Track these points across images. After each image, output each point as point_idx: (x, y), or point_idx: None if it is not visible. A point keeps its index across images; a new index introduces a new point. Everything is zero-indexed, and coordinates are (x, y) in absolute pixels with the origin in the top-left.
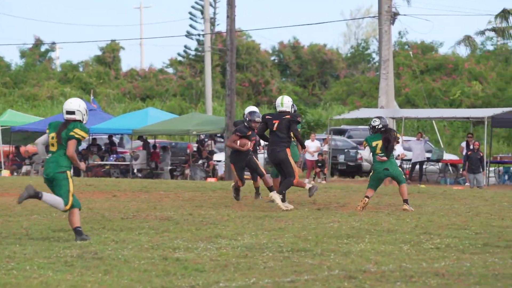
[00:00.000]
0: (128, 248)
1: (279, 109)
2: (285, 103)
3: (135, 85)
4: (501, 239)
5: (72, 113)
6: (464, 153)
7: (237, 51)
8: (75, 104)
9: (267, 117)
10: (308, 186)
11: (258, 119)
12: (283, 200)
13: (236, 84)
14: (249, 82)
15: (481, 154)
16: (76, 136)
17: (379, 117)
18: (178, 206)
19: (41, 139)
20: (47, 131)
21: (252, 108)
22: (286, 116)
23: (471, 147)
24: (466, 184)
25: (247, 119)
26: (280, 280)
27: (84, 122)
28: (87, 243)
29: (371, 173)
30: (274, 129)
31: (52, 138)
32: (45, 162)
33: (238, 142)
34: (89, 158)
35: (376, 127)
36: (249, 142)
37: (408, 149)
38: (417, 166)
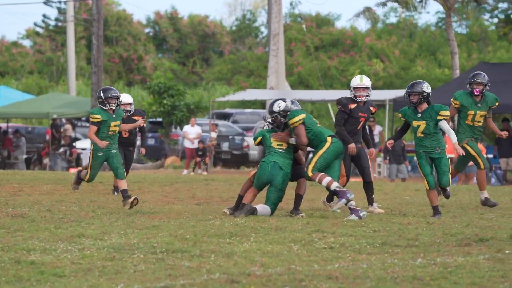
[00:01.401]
0: None
1: None
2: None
3: None
4: (402, 237)
5: None
6: None
7: (105, 21)
8: None
9: None
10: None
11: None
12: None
13: (104, 60)
14: (119, 58)
15: (404, 143)
16: None
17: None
18: (35, 201)
19: None
20: None
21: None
22: None
23: (374, 131)
24: (374, 175)
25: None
26: (152, 286)
27: None
28: None
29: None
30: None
31: None
32: None
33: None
34: None
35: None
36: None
37: None
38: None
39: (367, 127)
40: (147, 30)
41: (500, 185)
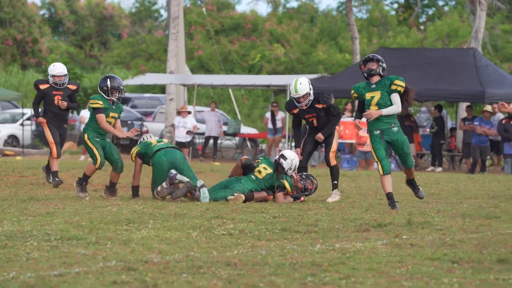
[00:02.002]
0: None
1: None
2: None
3: None
4: (301, 223)
5: None
6: (269, 125)
7: None
8: None
9: None
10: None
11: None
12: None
13: None
14: (13, 41)
15: None
16: None
17: None
18: None
19: None
20: None
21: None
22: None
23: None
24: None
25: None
26: (45, 274)
27: None
28: None
29: None
30: None
31: None
32: None
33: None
34: None
35: None
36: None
37: (202, 121)
38: (211, 141)
39: (269, 113)
40: (42, 12)
41: (400, 171)
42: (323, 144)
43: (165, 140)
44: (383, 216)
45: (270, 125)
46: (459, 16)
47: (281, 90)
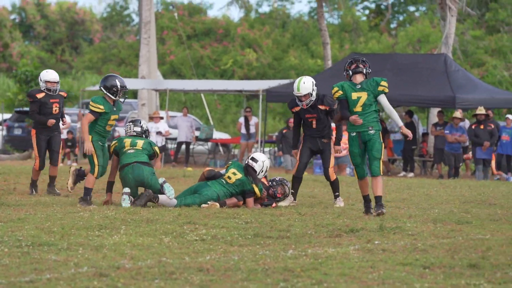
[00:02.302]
0: None
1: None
2: None
3: None
4: (274, 228)
5: None
6: (243, 130)
7: None
8: None
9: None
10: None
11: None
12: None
13: None
14: None
15: None
16: None
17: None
18: None
19: None
20: None
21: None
22: None
23: (250, 122)
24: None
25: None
26: (16, 280)
27: None
28: None
29: None
30: None
31: None
32: None
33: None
34: None
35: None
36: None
37: (174, 126)
38: (183, 146)
39: (242, 119)
40: (13, 16)
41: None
42: (318, 155)
43: (140, 143)
44: (355, 222)
45: (243, 130)
46: (430, 22)
47: (254, 95)
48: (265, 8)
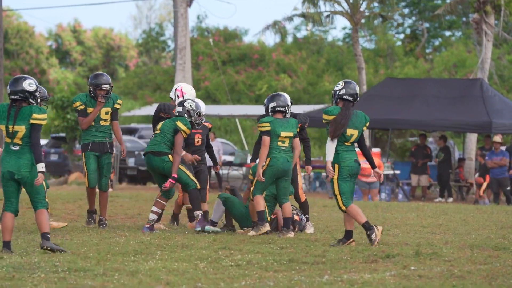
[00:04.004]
0: None
1: None
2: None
3: None
4: (309, 254)
5: None
6: None
7: (6, 34)
8: None
9: None
10: None
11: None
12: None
13: (5, 73)
14: (21, 72)
15: None
16: None
17: None
18: None
19: None
20: None
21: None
22: None
23: None
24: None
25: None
26: None
27: None
28: None
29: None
30: None
31: None
32: None
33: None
34: None
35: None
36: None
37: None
38: (214, 171)
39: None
40: (49, 43)
41: (407, 201)
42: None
43: (160, 125)
44: (391, 247)
45: None
46: (465, 47)
47: None
48: (302, 33)
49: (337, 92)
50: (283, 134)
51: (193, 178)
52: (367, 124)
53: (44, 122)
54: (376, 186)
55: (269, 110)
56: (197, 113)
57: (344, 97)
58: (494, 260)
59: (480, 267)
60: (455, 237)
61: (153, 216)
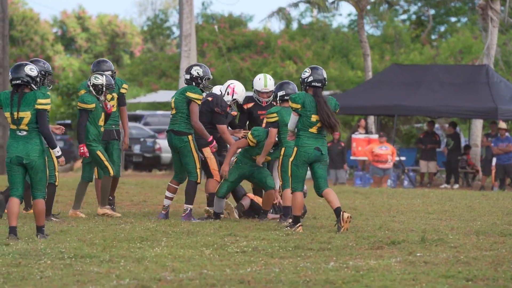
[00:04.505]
0: None
1: None
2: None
3: None
4: (314, 240)
5: None
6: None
7: (11, 21)
8: None
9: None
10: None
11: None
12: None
13: (10, 60)
14: (26, 58)
15: (343, 145)
16: None
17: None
18: None
19: None
20: None
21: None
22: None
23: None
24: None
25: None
26: None
27: None
28: None
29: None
30: None
31: None
32: None
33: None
34: None
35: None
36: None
37: None
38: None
39: None
40: (54, 30)
41: (413, 188)
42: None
43: (172, 101)
44: (397, 234)
45: None
46: (471, 33)
47: None
48: (307, 19)
49: (305, 79)
50: None
51: (198, 171)
52: (337, 111)
53: (48, 107)
54: (390, 173)
55: (278, 98)
56: (205, 78)
57: (313, 83)
58: (499, 246)
59: (485, 253)
60: (461, 223)
61: (167, 202)
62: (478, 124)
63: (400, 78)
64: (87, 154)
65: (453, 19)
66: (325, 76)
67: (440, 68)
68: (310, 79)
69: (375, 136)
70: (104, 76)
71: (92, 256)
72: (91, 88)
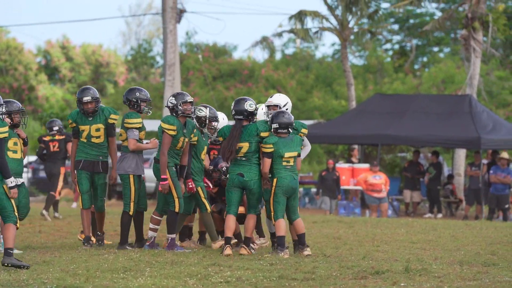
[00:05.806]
0: None
1: None
2: None
3: None
4: (298, 270)
5: None
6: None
7: None
8: None
9: None
10: None
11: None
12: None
13: None
14: (9, 88)
15: (337, 174)
16: None
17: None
18: None
19: None
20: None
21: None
22: None
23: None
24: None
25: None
26: None
27: None
28: None
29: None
30: None
31: None
32: None
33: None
34: None
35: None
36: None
37: None
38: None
39: None
40: (38, 59)
41: (396, 217)
42: None
43: None
44: (381, 263)
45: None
46: (454, 63)
47: None
48: (291, 50)
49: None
50: (287, 155)
51: (176, 201)
52: (261, 135)
53: (1, 136)
54: (386, 201)
55: (271, 130)
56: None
57: (235, 116)
58: (483, 276)
59: (469, 283)
60: (445, 253)
61: (152, 233)
62: (461, 154)
63: (383, 108)
64: (195, 190)
65: (435, 49)
66: (247, 108)
67: (424, 97)
68: (233, 112)
69: (360, 166)
70: (208, 108)
71: (75, 287)
72: (195, 120)
